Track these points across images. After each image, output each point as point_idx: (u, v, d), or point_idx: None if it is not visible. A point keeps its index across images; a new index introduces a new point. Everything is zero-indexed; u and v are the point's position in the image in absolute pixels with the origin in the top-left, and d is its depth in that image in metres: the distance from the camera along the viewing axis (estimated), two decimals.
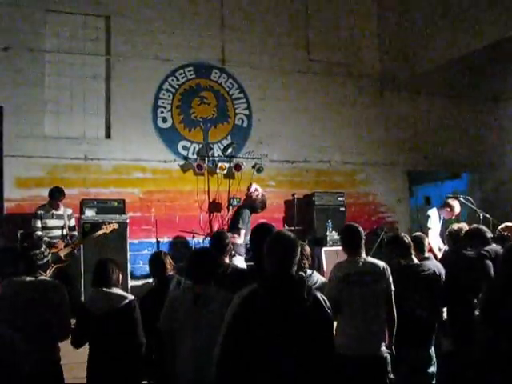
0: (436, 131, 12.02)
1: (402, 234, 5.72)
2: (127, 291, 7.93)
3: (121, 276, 4.78)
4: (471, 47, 9.27)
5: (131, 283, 8.73)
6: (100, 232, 8.09)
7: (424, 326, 5.37)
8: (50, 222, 8.13)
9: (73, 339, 4.52)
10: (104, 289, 4.57)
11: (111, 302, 4.54)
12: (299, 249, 3.16)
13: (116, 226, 8.26)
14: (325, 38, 11.32)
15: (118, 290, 4.64)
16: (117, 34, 9.81)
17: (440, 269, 5.66)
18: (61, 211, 8.20)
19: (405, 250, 5.45)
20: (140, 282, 9.14)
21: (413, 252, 5.53)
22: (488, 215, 8.18)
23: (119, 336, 4.46)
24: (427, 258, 5.72)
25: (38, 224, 8.06)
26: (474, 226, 6.35)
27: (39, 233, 7.97)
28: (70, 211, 8.37)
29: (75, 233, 8.39)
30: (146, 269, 9.43)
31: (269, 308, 2.88)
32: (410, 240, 5.54)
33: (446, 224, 8.76)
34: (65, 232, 8.21)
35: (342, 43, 11.50)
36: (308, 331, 2.91)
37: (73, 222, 8.42)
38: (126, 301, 4.56)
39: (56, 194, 8.13)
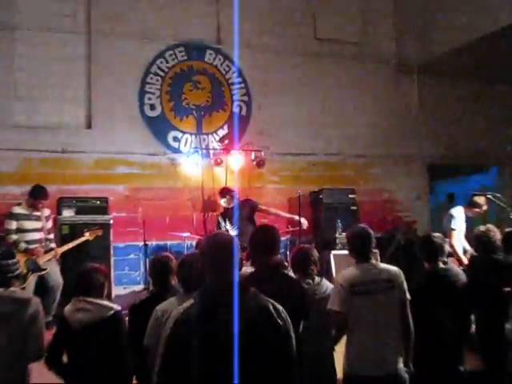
0: (460, 119, 11.89)
1: (435, 234, 5.62)
2: (111, 300, 7.90)
3: (106, 284, 4.69)
4: (498, 24, 9.17)
5: (115, 292, 8.66)
6: (82, 239, 8.06)
7: (450, 340, 5.22)
8: (28, 224, 7.90)
9: (47, 357, 4.38)
10: (86, 298, 4.47)
11: (94, 314, 4.43)
12: (236, 250, 3.05)
13: (100, 232, 8.24)
14: (334, 15, 11.19)
15: (102, 301, 4.54)
16: (98, 9, 9.70)
17: (462, 275, 5.57)
18: (39, 212, 8.03)
19: (431, 253, 5.36)
20: (126, 291, 9.08)
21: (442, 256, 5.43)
22: None
23: (102, 353, 4.37)
24: (445, 263, 5.58)
25: (13, 226, 7.82)
26: (509, 229, 6.23)
27: (14, 236, 7.75)
28: (47, 212, 8.19)
29: (51, 236, 8.21)
30: (132, 275, 9.62)
31: (205, 323, 2.84)
32: (440, 241, 5.43)
33: (471, 224, 8.65)
34: (43, 235, 8.02)
35: (353, 21, 11.38)
36: (253, 345, 2.84)
37: (50, 224, 8.25)
38: (111, 312, 4.47)
39: (41, 194, 7.94)
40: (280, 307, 3.00)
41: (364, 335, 4.52)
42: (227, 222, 8.85)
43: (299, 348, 3.12)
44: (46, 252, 7.85)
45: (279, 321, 2.94)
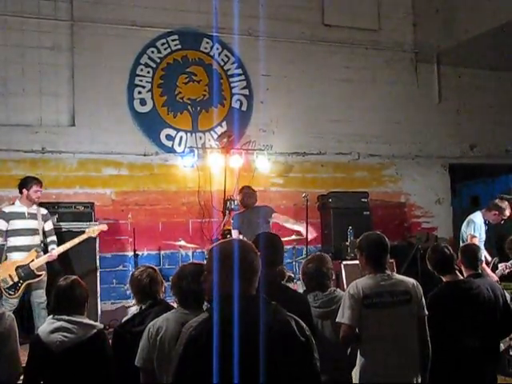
0: (485, 114, 11.82)
1: (442, 245, 5.60)
2: (97, 317, 7.81)
3: (87, 301, 4.63)
4: None
5: (102, 307, 8.58)
6: (83, 237, 7.89)
7: (475, 360, 5.11)
8: (21, 224, 7.71)
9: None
10: (65, 317, 4.39)
11: (75, 334, 4.35)
12: (258, 262, 3.06)
13: (105, 227, 8.21)
14: None
15: (83, 318, 4.47)
16: None
17: (495, 288, 5.49)
18: (34, 209, 7.86)
19: (445, 265, 5.30)
20: (113, 306, 8.99)
21: (457, 267, 5.39)
22: None
23: (85, 379, 4.29)
24: (479, 275, 5.56)
25: (3, 226, 7.64)
26: None
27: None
28: (44, 211, 8.05)
29: (53, 238, 8.01)
30: (121, 289, 9.52)
31: (224, 339, 2.79)
32: (451, 251, 5.37)
33: (494, 231, 8.63)
34: (40, 238, 7.84)
35: (365, 4, 11.31)
36: (276, 363, 2.85)
37: (50, 225, 8.06)
38: (94, 331, 4.42)
39: (34, 180, 7.81)
40: (303, 323, 3.01)
41: (377, 352, 4.49)
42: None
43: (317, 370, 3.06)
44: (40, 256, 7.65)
45: (302, 337, 2.95)
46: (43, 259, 7.65)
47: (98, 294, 8.49)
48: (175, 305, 4.29)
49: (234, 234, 8.24)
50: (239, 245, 3.09)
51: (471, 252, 5.72)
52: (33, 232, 7.76)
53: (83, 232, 8.16)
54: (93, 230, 7.99)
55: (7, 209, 7.77)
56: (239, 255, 2.97)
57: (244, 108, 10.47)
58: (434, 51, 11.34)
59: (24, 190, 7.76)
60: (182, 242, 9.06)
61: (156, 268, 5.11)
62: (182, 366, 2.91)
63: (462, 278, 5.42)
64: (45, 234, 7.94)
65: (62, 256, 7.87)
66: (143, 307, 4.76)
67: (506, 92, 11.95)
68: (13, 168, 9.07)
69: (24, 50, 9.31)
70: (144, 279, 4.85)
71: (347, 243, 9.36)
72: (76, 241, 7.85)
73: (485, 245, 8.41)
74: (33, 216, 7.79)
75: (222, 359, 2.75)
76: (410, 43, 11.59)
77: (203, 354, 2.80)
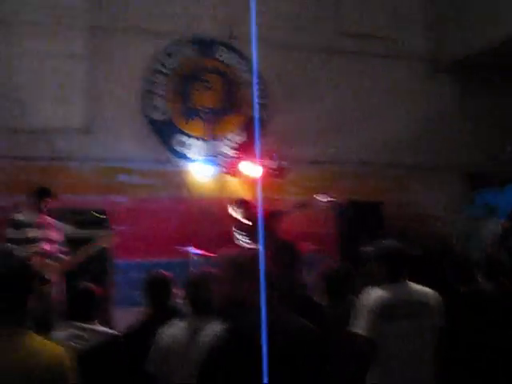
0: (504, 122, 11.63)
1: (461, 254, 5.57)
2: (111, 323, 7.81)
3: (100, 307, 4.72)
4: None
5: (116, 314, 8.57)
6: (97, 246, 7.85)
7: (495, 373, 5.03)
8: (31, 232, 7.65)
9: None
10: (78, 323, 4.44)
11: (89, 341, 4.39)
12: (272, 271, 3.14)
13: (115, 237, 8.17)
14: (360, 6, 11.13)
15: (96, 325, 4.53)
16: (97, 1, 9.71)
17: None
18: (43, 218, 7.81)
19: (464, 273, 5.32)
20: (127, 313, 8.93)
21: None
22: None
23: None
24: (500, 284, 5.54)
25: (13, 235, 7.60)
26: None
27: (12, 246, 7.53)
28: (52, 220, 7.95)
29: (62, 247, 7.94)
30: (135, 296, 9.45)
31: (246, 348, 2.89)
32: (469, 260, 5.51)
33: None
34: (50, 247, 7.74)
35: (381, 12, 11.29)
36: (299, 369, 2.94)
37: (59, 235, 7.97)
38: (107, 338, 4.47)
39: (46, 191, 7.77)
40: (317, 331, 3.12)
41: (394, 363, 4.43)
42: (245, 237, 8.71)
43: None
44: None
45: (316, 344, 3.07)
46: (55, 266, 7.61)
47: (113, 301, 8.53)
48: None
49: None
50: (251, 253, 3.08)
51: (490, 262, 5.69)
52: (42, 241, 7.70)
53: (98, 239, 8.20)
54: (103, 240, 7.95)
55: (16, 216, 7.72)
56: (252, 263, 2.95)
57: (260, 116, 10.46)
58: (451, 59, 11.31)
59: (35, 199, 7.74)
60: (195, 250, 9.06)
61: (168, 274, 5.12)
62: (205, 374, 2.99)
63: (481, 287, 5.37)
64: (52, 243, 7.89)
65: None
66: (153, 313, 4.77)
67: None
68: (28, 174, 9.08)
69: (41, 57, 9.37)
70: (157, 285, 4.87)
71: (363, 251, 9.31)
72: (88, 251, 7.80)
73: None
74: (41, 224, 7.77)
75: (246, 367, 2.81)
76: (428, 52, 11.56)
77: (224, 364, 2.89)
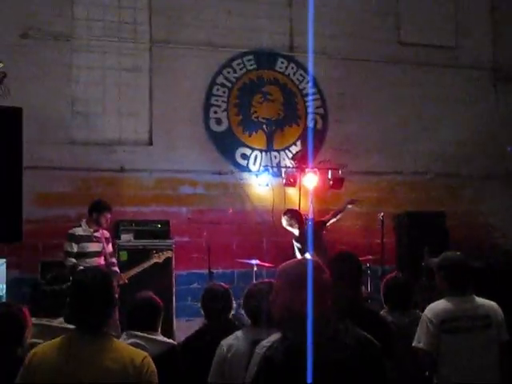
0: None
1: None
2: (172, 334, 7.88)
3: (161, 317, 4.62)
4: None
5: (177, 324, 8.68)
6: (151, 261, 7.95)
7: None
8: (89, 247, 7.80)
9: None
10: (139, 333, 4.39)
11: (148, 350, 4.25)
12: (329, 281, 3.05)
13: (170, 253, 8.24)
14: (419, 16, 11.04)
15: (156, 335, 4.48)
16: (159, 16, 9.82)
17: None
18: (99, 232, 7.95)
19: None
20: (188, 324, 8.99)
21: None
22: None
23: None
24: None
25: (74, 248, 7.71)
26: None
27: (73, 260, 7.62)
28: (107, 233, 8.15)
29: (114, 260, 8.13)
30: (196, 306, 9.42)
31: (300, 358, 2.77)
32: None
33: None
34: (103, 260, 7.92)
35: (442, 22, 11.18)
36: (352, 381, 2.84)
37: (111, 248, 8.17)
38: (166, 348, 4.40)
39: (105, 206, 7.89)
40: (376, 343, 2.98)
41: (455, 378, 4.32)
42: (300, 247, 8.76)
43: None
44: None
45: (378, 359, 2.93)
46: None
47: (174, 311, 8.56)
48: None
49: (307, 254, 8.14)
50: (309, 264, 3.07)
51: None
52: (99, 254, 7.85)
53: (159, 250, 8.30)
54: (159, 255, 8.02)
55: (76, 231, 7.79)
56: (310, 274, 2.96)
57: (319, 127, 10.45)
58: None
59: (94, 214, 7.83)
60: (256, 261, 9.06)
61: (225, 286, 5.14)
62: None
63: None
64: (110, 257, 8.03)
65: (139, 272, 7.94)
66: (211, 325, 4.78)
67: None
68: (93, 186, 9.22)
69: (105, 71, 9.54)
70: (213, 297, 4.89)
71: (423, 264, 9.22)
72: (145, 265, 7.92)
73: None
74: (98, 239, 7.88)
75: (296, 379, 2.73)
76: (488, 61, 11.39)
77: (278, 375, 2.79)
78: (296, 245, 8.92)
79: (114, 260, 8.13)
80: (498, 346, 4.44)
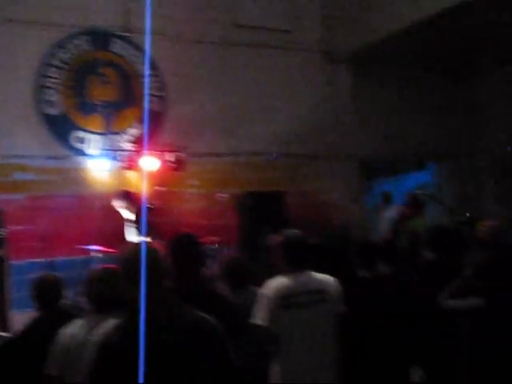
0: (396, 113, 12.02)
1: (363, 241, 5.69)
2: (8, 326, 7.55)
3: None
4: (438, 7, 9.18)
5: (14, 317, 8.32)
6: None
7: (390, 355, 5.11)
8: None
9: None
10: None
11: None
12: (162, 261, 3.09)
13: None
14: None
15: None
16: None
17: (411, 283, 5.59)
18: None
19: (364, 259, 5.42)
20: (25, 315, 8.66)
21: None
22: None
23: None
24: (399, 270, 5.65)
25: None
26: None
27: None
28: None
29: None
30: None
31: (136, 342, 2.76)
32: (371, 247, 5.60)
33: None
34: None
35: (277, 5, 11.31)
36: (192, 363, 2.91)
37: None
38: (2, 341, 4.44)
39: None
40: (214, 322, 3.04)
41: (295, 352, 4.46)
42: (136, 231, 8.66)
43: (235, 366, 3.10)
44: None
45: (216, 337, 2.99)
46: None
47: (9, 303, 8.28)
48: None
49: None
50: (143, 248, 3.03)
51: (389, 246, 5.82)
52: None
53: None
54: None
55: None
56: (144, 259, 2.91)
57: (158, 109, 10.32)
58: (346, 51, 11.42)
59: None
60: (98, 247, 8.92)
61: (56, 275, 5.02)
62: (93, 374, 2.91)
63: (380, 273, 5.48)
64: None
65: None
66: (43, 315, 4.64)
67: (415, 93, 12.19)
68: None
69: None
70: (43, 287, 4.75)
71: (263, 242, 9.37)
72: None
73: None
74: None
75: (132, 364, 2.71)
76: (322, 44, 11.65)
77: (113, 361, 2.84)
78: (129, 227, 8.81)
79: None
80: (333, 320, 4.58)
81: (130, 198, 8.82)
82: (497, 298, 4.39)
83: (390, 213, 9.01)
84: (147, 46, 9.73)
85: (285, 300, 4.45)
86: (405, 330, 5.14)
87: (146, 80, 10.25)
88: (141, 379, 2.67)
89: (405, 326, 5.13)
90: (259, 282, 4.81)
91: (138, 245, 3.22)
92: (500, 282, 4.42)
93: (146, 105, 10.26)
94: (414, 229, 9.77)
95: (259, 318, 4.42)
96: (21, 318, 8.21)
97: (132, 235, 8.73)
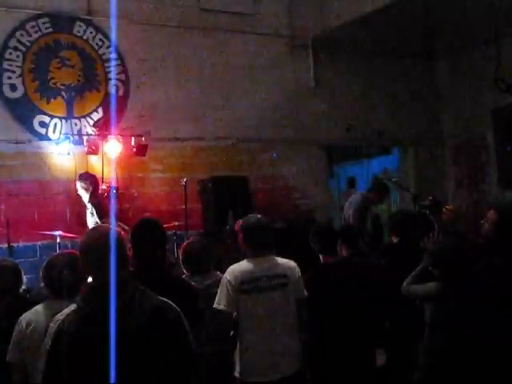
0: (360, 97, 12.06)
1: (325, 224, 5.72)
2: None
3: None
4: None
5: None
6: None
7: (354, 338, 5.18)
8: None
9: None
10: None
11: None
12: (124, 246, 3.05)
13: None
14: None
15: None
16: None
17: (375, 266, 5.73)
18: None
19: (327, 243, 5.42)
20: None
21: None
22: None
23: None
24: (359, 254, 5.94)
25: None
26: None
27: None
28: None
29: None
30: None
31: (95, 328, 2.82)
32: (333, 231, 5.68)
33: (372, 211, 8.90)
34: None
35: None
36: (148, 350, 2.89)
37: None
38: None
39: None
40: (174, 307, 3.04)
41: (256, 337, 4.54)
42: (95, 215, 8.60)
43: (196, 350, 3.11)
44: None
45: (173, 321, 2.98)
46: None
47: None
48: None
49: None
50: (105, 232, 3.01)
51: (351, 231, 5.87)
52: None
53: None
54: None
55: None
56: (105, 243, 2.91)
57: (121, 93, 10.20)
58: (308, 36, 11.40)
59: None
60: (60, 232, 8.79)
61: (12, 261, 4.98)
62: (51, 361, 2.88)
63: (341, 257, 5.54)
64: None
65: None
66: (2, 301, 4.59)
67: (378, 77, 12.19)
68: None
69: None
70: (4, 272, 4.71)
71: (227, 227, 9.38)
72: None
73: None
74: None
75: (91, 350, 2.77)
76: (285, 29, 11.58)
77: (71, 347, 2.80)
78: (90, 210, 8.75)
79: None
80: (294, 304, 4.66)
81: (91, 180, 8.77)
82: (453, 284, 4.45)
83: (354, 198, 9.04)
84: (112, 30, 9.78)
85: (245, 284, 4.52)
86: (367, 314, 5.21)
87: (112, 64, 10.14)
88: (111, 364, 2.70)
89: (367, 311, 5.20)
90: (224, 268, 4.83)
91: (99, 229, 3.21)
92: (455, 268, 4.47)
93: (112, 89, 10.11)
94: (378, 214, 9.89)
95: (220, 302, 4.47)
96: None
97: (91, 219, 8.69)
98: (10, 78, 9.41)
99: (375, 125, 12.04)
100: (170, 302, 3.04)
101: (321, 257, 5.37)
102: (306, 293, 4.74)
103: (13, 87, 9.42)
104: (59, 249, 8.71)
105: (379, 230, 9.69)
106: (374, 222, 9.84)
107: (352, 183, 11.86)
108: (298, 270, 4.75)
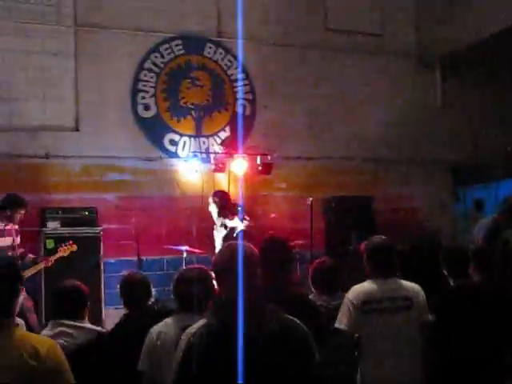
0: (488, 117, 11.72)
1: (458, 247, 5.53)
2: (102, 322, 7.76)
3: (87, 304, 4.53)
4: None
5: (106, 313, 8.59)
6: (56, 256, 7.69)
7: (482, 370, 4.96)
8: (2, 242, 7.51)
9: None
10: (66, 321, 4.31)
11: (76, 339, 4.25)
12: (256, 263, 3.04)
13: (75, 247, 7.86)
14: (346, 3, 11.03)
15: (84, 323, 4.41)
16: None
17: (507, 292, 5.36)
18: (9, 226, 7.61)
19: (458, 267, 5.21)
20: (117, 312, 8.85)
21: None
22: None
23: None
24: (491, 279, 5.44)
25: None
26: None
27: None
28: (16, 226, 7.77)
29: (22, 250, 7.81)
30: None
31: (223, 345, 2.80)
32: (466, 255, 5.33)
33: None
34: (14, 253, 7.54)
35: (367, 8, 11.22)
36: (277, 367, 2.83)
37: (19, 240, 7.81)
38: (95, 335, 4.34)
39: (20, 203, 7.61)
40: (303, 327, 2.98)
41: (378, 359, 4.43)
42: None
43: (321, 371, 3.05)
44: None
45: (301, 341, 2.92)
46: (30, 271, 7.46)
47: (103, 300, 8.47)
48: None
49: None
50: (239, 249, 3.03)
51: (483, 255, 5.66)
52: (11, 248, 7.58)
53: (86, 238, 8.15)
54: (64, 249, 7.74)
55: None
56: (240, 260, 2.93)
57: (248, 113, 10.42)
58: (436, 55, 11.24)
59: (8, 210, 7.59)
60: (186, 247, 8.98)
61: (141, 274, 5.10)
62: (182, 373, 2.89)
63: (472, 281, 5.36)
64: (16, 248, 7.68)
65: (66, 260, 7.76)
66: (131, 313, 4.71)
67: (509, 96, 11.84)
68: (16, 173, 8.93)
69: (28, 55, 9.22)
70: (130, 285, 4.81)
71: (351, 248, 9.31)
72: (47, 263, 7.66)
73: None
74: (9, 232, 7.61)
75: (220, 365, 2.75)
76: (412, 47, 11.50)
77: (203, 360, 2.79)
78: (218, 227, 8.81)
79: (22, 250, 7.79)
80: (417, 327, 4.49)
81: (224, 198, 8.83)
82: None
83: (485, 221, 8.71)
84: (239, 50, 9.98)
85: (366, 305, 4.44)
86: (499, 339, 5.03)
87: (240, 84, 10.35)
88: (240, 379, 2.69)
89: (499, 336, 5.02)
90: (347, 288, 4.80)
91: (233, 245, 3.25)
92: None
93: (239, 109, 10.34)
94: (508, 238, 9.47)
95: (342, 322, 4.43)
96: (113, 314, 8.53)
97: (220, 236, 8.76)
98: (143, 98, 9.81)
99: (504, 145, 11.62)
100: (298, 320, 3.01)
101: (451, 281, 5.23)
102: (430, 317, 4.60)
103: (146, 107, 9.82)
104: (185, 264, 8.91)
105: (508, 256, 9.30)
106: (503, 248, 9.45)
107: (479, 206, 11.44)
108: (422, 293, 4.60)
